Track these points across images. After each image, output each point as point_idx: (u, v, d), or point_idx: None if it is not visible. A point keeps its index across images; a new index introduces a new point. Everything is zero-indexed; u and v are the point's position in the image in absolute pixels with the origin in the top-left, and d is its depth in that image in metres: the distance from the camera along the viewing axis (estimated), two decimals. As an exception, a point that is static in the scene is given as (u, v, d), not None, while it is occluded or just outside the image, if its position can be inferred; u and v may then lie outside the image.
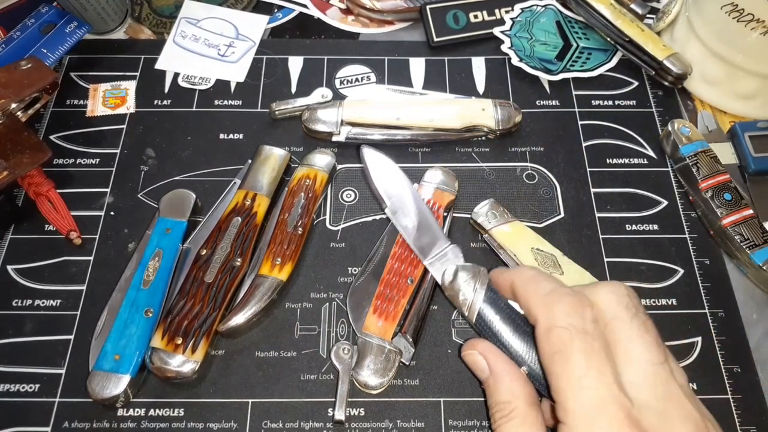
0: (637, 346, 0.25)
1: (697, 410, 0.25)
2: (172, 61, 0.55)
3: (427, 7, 0.57)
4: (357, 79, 0.54)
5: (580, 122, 0.52)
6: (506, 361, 0.29)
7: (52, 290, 0.43)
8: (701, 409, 0.26)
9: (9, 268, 0.44)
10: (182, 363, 0.38)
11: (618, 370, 0.25)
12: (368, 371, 0.39)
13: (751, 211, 0.45)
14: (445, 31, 0.56)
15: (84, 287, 0.44)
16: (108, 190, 0.48)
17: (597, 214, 0.47)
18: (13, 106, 0.47)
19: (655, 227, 0.47)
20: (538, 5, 0.58)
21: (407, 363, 0.40)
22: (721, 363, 0.41)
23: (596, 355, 0.24)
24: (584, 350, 0.24)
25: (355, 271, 0.44)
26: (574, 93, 0.54)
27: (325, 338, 0.42)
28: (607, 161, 0.50)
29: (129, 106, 0.52)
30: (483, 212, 0.45)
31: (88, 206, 0.47)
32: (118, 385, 0.38)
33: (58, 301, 0.43)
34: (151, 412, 0.39)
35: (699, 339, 0.42)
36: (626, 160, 0.50)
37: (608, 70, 0.55)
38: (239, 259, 0.42)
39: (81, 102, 0.52)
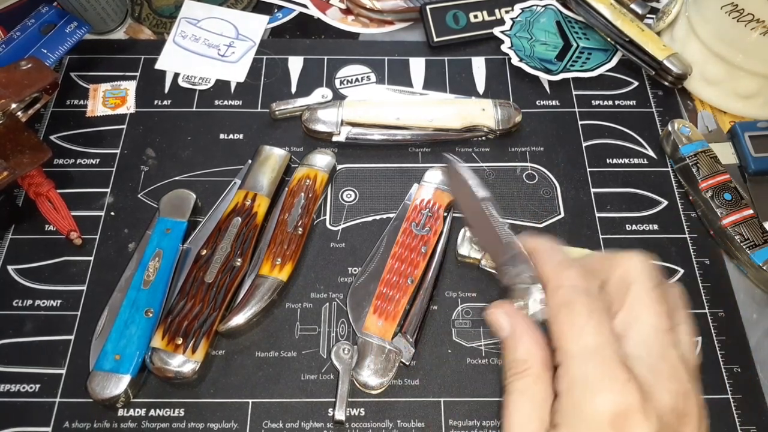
0: (646, 311, 0.27)
1: (688, 378, 0.26)
2: (172, 61, 0.55)
3: (427, 7, 0.57)
4: (357, 79, 0.54)
5: (580, 122, 0.52)
6: (529, 323, 0.30)
7: (52, 290, 0.43)
8: (693, 378, 0.27)
9: (9, 268, 0.44)
10: (182, 363, 0.38)
11: (623, 329, 0.27)
12: (368, 371, 0.39)
13: (751, 211, 0.45)
14: (445, 31, 0.56)
15: (84, 287, 0.44)
16: (108, 190, 0.48)
17: (597, 214, 0.47)
18: (13, 106, 0.46)
19: (655, 227, 0.47)
20: (538, 5, 0.58)
21: (407, 363, 0.40)
22: (721, 363, 0.42)
23: (597, 312, 0.27)
24: (587, 305, 0.27)
25: (355, 271, 0.44)
26: (574, 93, 0.54)
27: (325, 338, 0.42)
28: (607, 161, 0.50)
29: (129, 106, 0.52)
30: (465, 245, 0.44)
31: (88, 206, 0.47)
32: (119, 385, 0.38)
33: (59, 301, 0.43)
34: (152, 412, 0.39)
35: (699, 339, 0.42)
36: (626, 160, 0.50)
37: (608, 70, 0.55)
38: (239, 259, 0.42)
39: (81, 102, 0.52)
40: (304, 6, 0.60)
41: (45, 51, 0.52)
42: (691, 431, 0.25)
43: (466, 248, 0.44)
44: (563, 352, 0.27)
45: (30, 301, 0.43)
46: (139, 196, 0.48)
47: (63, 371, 0.40)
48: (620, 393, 0.25)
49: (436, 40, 0.56)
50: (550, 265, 0.29)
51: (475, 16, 0.58)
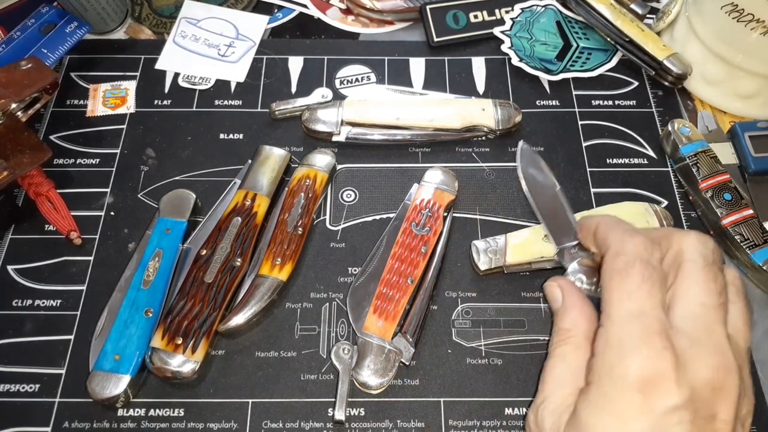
0: (696, 287, 0.27)
1: (732, 355, 0.26)
2: (172, 61, 0.55)
3: (427, 7, 0.57)
4: (357, 79, 0.54)
5: (580, 122, 0.52)
6: (580, 297, 0.31)
7: (52, 290, 0.43)
8: (739, 358, 0.26)
9: (9, 268, 0.44)
10: (182, 363, 0.38)
11: (670, 303, 0.27)
12: (368, 371, 0.39)
13: (751, 211, 0.45)
14: (445, 31, 0.56)
15: (84, 287, 0.44)
16: (108, 190, 0.48)
17: (597, 214, 0.47)
18: (13, 106, 0.46)
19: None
20: (538, 5, 0.58)
21: (407, 363, 0.40)
22: (721, 363, 0.41)
23: (651, 281, 0.27)
24: (641, 273, 0.27)
25: (355, 271, 0.44)
26: (574, 93, 0.54)
27: (325, 338, 0.42)
28: (607, 161, 0.50)
29: (129, 106, 0.52)
30: (483, 258, 0.43)
31: (88, 206, 0.47)
32: (118, 385, 0.38)
33: (58, 301, 0.43)
34: (152, 412, 0.39)
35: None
36: (626, 160, 0.50)
37: (608, 70, 0.55)
38: (239, 259, 0.42)
39: (81, 102, 0.52)
40: (304, 6, 0.60)
41: (45, 51, 0.52)
42: (728, 407, 0.25)
43: (486, 261, 0.43)
44: (607, 315, 0.27)
45: (30, 301, 0.43)
46: (139, 196, 0.48)
47: (63, 371, 0.40)
48: (653, 359, 0.24)
49: (436, 40, 0.56)
50: (615, 233, 0.29)
51: (475, 16, 0.58)
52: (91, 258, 0.45)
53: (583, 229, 0.34)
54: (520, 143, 0.44)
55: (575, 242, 0.39)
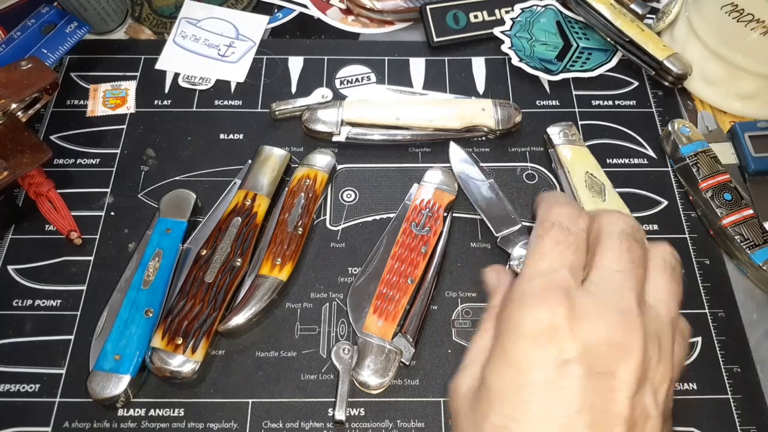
0: (610, 255, 0.28)
1: (642, 317, 0.26)
2: (172, 61, 0.55)
3: (427, 7, 0.57)
4: (357, 79, 0.54)
5: (580, 122, 0.52)
6: (511, 278, 0.32)
7: (52, 290, 0.43)
8: (657, 325, 0.26)
9: (9, 268, 0.44)
10: (182, 363, 0.38)
11: (587, 272, 0.28)
12: (368, 371, 0.39)
13: (751, 211, 0.45)
14: (445, 31, 0.56)
15: (84, 287, 0.44)
16: (108, 190, 0.48)
17: (597, 214, 0.47)
18: (14, 106, 0.47)
19: (655, 227, 0.47)
20: (538, 5, 0.58)
21: (407, 363, 0.40)
22: (721, 363, 0.42)
23: (565, 244, 0.27)
24: (556, 237, 0.28)
25: (355, 271, 0.44)
26: (574, 93, 0.54)
27: (325, 338, 0.42)
28: (607, 161, 0.50)
29: (129, 106, 0.52)
30: (556, 131, 0.49)
31: (88, 206, 0.47)
32: (119, 385, 0.38)
33: (58, 301, 0.43)
34: (152, 412, 0.39)
35: (699, 339, 0.42)
36: (626, 160, 0.50)
37: (608, 70, 0.55)
38: (239, 259, 0.42)
39: (81, 102, 0.52)
40: (304, 6, 0.60)
41: (45, 51, 0.52)
42: (628, 367, 0.24)
43: (555, 135, 0.49)
44: (520, 274, 0.28)
45: (30, 301, 0.43)
46: (139, 196, 0.48)
47: (63, 371, 0.40)
48: (547, 311, 0.25)
49: (436, 40, 0.56)
50: (546, 205, 0.30)
51: (475, 16, 0.58)
52: (91, 258, 0.45)
53: (540, 200, 0.34)
54: (451, 143, 0.48)
55: (515, 227, 0.44)
